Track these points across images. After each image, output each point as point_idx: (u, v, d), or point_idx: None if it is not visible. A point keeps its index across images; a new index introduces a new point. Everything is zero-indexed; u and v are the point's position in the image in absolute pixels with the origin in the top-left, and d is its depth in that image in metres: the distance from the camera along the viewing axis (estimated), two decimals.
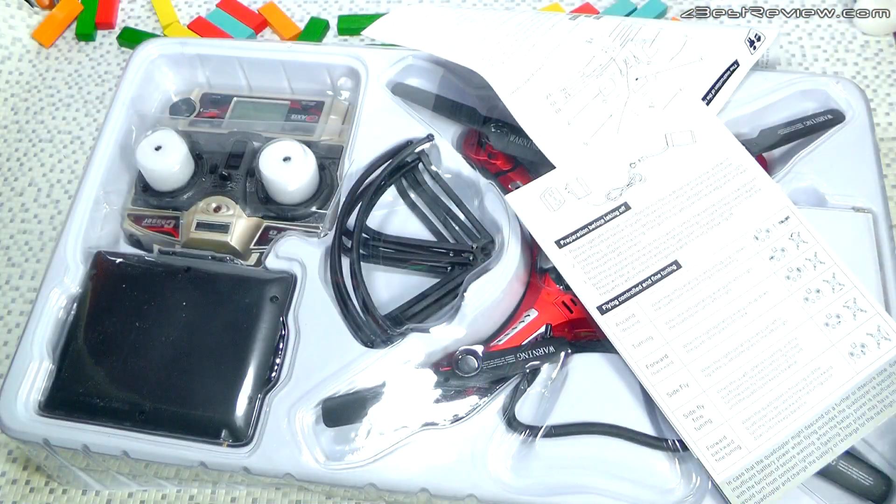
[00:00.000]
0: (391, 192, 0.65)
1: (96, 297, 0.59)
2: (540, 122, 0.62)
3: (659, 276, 0.58)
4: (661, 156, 0.62)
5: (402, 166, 0.64)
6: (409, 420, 0.55)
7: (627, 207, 0.60)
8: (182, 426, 0.55)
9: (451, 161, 0.64)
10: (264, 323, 0.58)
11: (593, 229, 0.59)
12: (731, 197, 0.60)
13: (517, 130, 0.63)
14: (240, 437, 0.55)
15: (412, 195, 0.64)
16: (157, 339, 0.57)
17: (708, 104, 0.64)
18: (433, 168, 0.65)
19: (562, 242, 0.59)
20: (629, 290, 0.57)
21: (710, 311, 0.56)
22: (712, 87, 0.65)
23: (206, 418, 0.55)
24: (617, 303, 0.57)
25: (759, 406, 0.54)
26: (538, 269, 0.62)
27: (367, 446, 0.55)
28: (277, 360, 0.57)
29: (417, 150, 0.64)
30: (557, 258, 0.59)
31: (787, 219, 0.59)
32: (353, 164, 0.64)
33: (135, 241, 0.64)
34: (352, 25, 0.89)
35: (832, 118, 0.66)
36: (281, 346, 0.57)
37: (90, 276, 0.60)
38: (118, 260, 0.60)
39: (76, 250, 0.61)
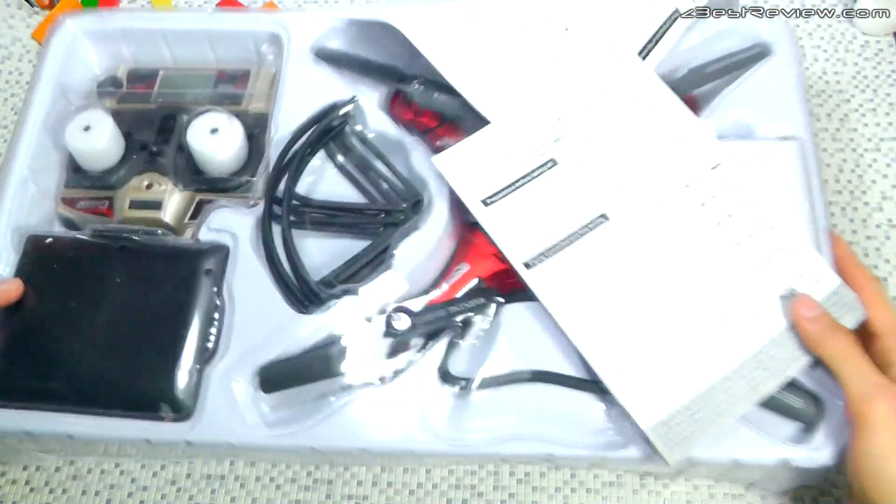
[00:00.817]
0: (320, 157, 0.63)
1: (30, 281, 0.57)
2: (467, 75, 0.60)
3: (586, 229, 0.56)
4: (590, 109, 0.60)
5: (329, 130, 0.62)
6: (345, 381, 0.54)
7: (554, 163, 0.58)
8: (123, 404, 0.54)
9: (376, 122, 0.63)
10: (199, 296, 0.56)
11: (520, 186, 0.57)
12: (661, 147, 0.58)
13: (440, 86, 0.62)
14: (181, 411, 0.53)
15: (340, 158, 0.63)
16: (95, 318, 0.56)
17: (645, 57, 0.62)
18: (359, 129, 0.63)
19: (488, 201, 0.57)
20: (555, 244, 0.55)
21: (638, 261, 0.55)
22: (651, 39, 0.63)
23: (147, 394, 0.54)
24: (543, 258, 0.55)
25: (687, 353, 0.52)
26: (468, 223, 0.60)
27: (306, 411, 0.54)
28: (213, 332, 0.56)
29: (342, 112, 0.62)
30: (483, 217, 0.57)
31: (718, 165, 0.57)
32: (280, 131, 0.62)
33: (70, 225, 0.62)
34: None
35: (759, 52, 0.65)
36: (217, 317, 0.56)
37: (23, 260, 0.58)
38: (49, 240, 0.59)
39: (7, 235, 0.59)
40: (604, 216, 0.56)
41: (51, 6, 0.87)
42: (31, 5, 0.86)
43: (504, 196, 0.57)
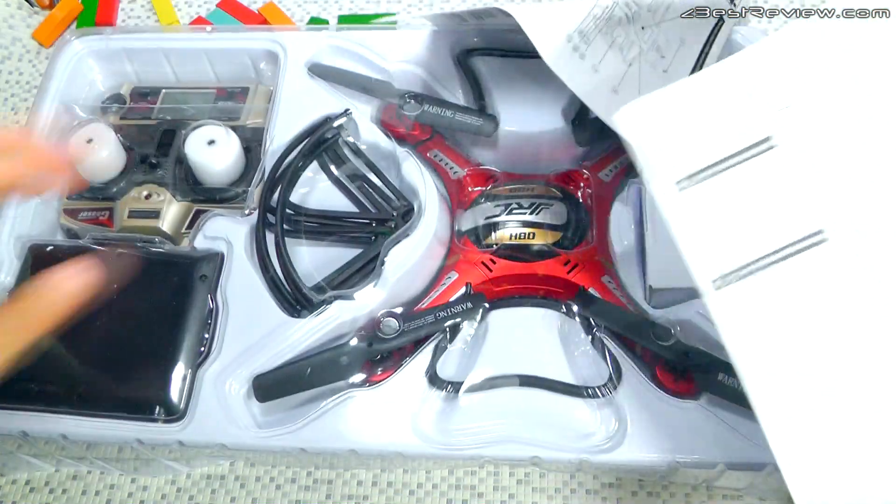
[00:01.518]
0: (313, 168, 0.62)
1: None
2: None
3: (796, 247, 0.39)
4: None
5: (322, 141, 0.62)
6: (336, 384, 0.54)
7: (771, 145, 0.40)
8: (118, 406, 0.53)
9: (368, 134, 0.62)
10: (194, 301, 0.55)
11: (721, 171, 0.40)
12: None
13: (431, 100, 0.62)
14: (174, 412, 0.52)
15: (333, 169, 0.62)
16: (91, 323, 0.55)
17: (709, 50, 0.57)
18: (352, 141, 0.62)
19: (683, 184, 0.40)
20: (754, 261, 0.39)
21: (862, 303, 0.38)
22: (709, 35, 0.60)
23: (141, 397, 0.53)
24: (736, 278, 0.39)
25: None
26: (457, 233, 0.60)
27: (296, 412, 0.53)
28: (207, 336, 0.55)
29: (335, 124, 0.62)
30: (671, 206, 0.40)
31: None
32: (275, 143, 0.61)
33: (72, 236, 0.62)
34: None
35: None
36: (210, 321, 0.55)
37: (24, 268, 0.58)
38: (50, 248, 0.58)
39: (10, 244, 0.59)
40: (821, 233, 0.39)
41: (51, 6, 0.86)
42: (31, 5, 0.86)
43: (701, 181, 0.40)
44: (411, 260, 0.56)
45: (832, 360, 0.38)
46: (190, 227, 0.61)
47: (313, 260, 0.60)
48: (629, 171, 0.61)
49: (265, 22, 0.85)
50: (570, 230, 0.58)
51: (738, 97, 0.41)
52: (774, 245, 0.39)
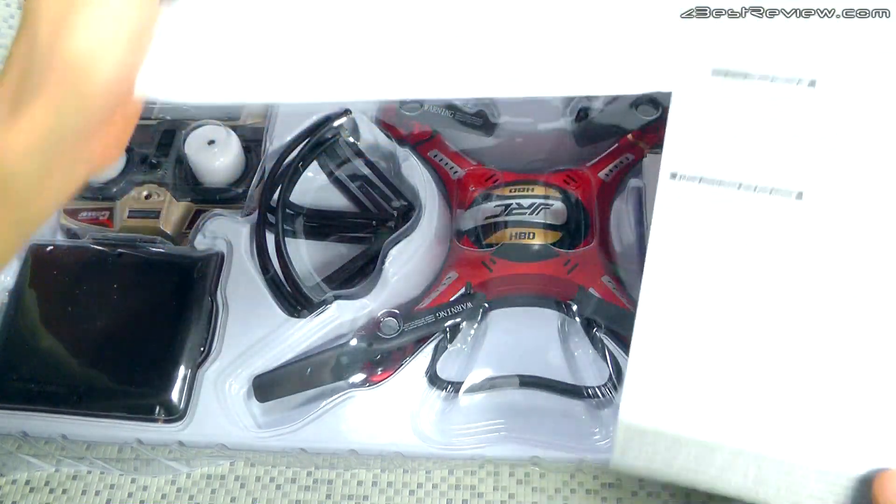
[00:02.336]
0: (314, 168, 0.62)
1: (31, 287, 0.56)
2: None
3: (774, 192, 0.37)
4: None
5: (322, 142, 0.61)
6: (336, 384, 0.53)
7: (813, 83, 0.41)
8: (118, 406, 0.53)
9: (368, 134, 0.62)
10: (194, 301, 0.55)
11: (757, 87, 0.40)
12: None
13: (430, 99, 0.62)
14: (174, 412, 0.52)
15: (334, 169, 0.62)
16: (92, 323, 0.55)
17: None
18: (351, 141, 0.62)
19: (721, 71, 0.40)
20: (730, 181, 0.38)
21: (805, 269, 0.36)
22: None
23: (141, 396, 0.53)
24: (697, 180, 0.38)
25: (762, 400, 0.35)
26: (457, 233, 0.60)
27: (296, 412, 0.53)
28: (207, 336, 0.55)
29: (335, 124, 0.61)
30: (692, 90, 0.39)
31: None
32: (275, 143, 0.61)
33: (72, 236, 0.61)
34: None
35: None
36: (211, 321, 0.55)
37: (24, 268, 0.57)
38: (50, 248, 0.58)
39: None
40: (801, 194, 0.37)
41: None
42: None
43: (728, 79, 0.40)
44: (411, 260, 0.56)
45: (732, 301, 0.37)
46: (190, 227, 0.60)
47: (312, 259, 0.60)
48: (629, 170, 0.60)
49: None
50: (570, 230, 0.58)
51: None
52: (751, 179, 0.38)
